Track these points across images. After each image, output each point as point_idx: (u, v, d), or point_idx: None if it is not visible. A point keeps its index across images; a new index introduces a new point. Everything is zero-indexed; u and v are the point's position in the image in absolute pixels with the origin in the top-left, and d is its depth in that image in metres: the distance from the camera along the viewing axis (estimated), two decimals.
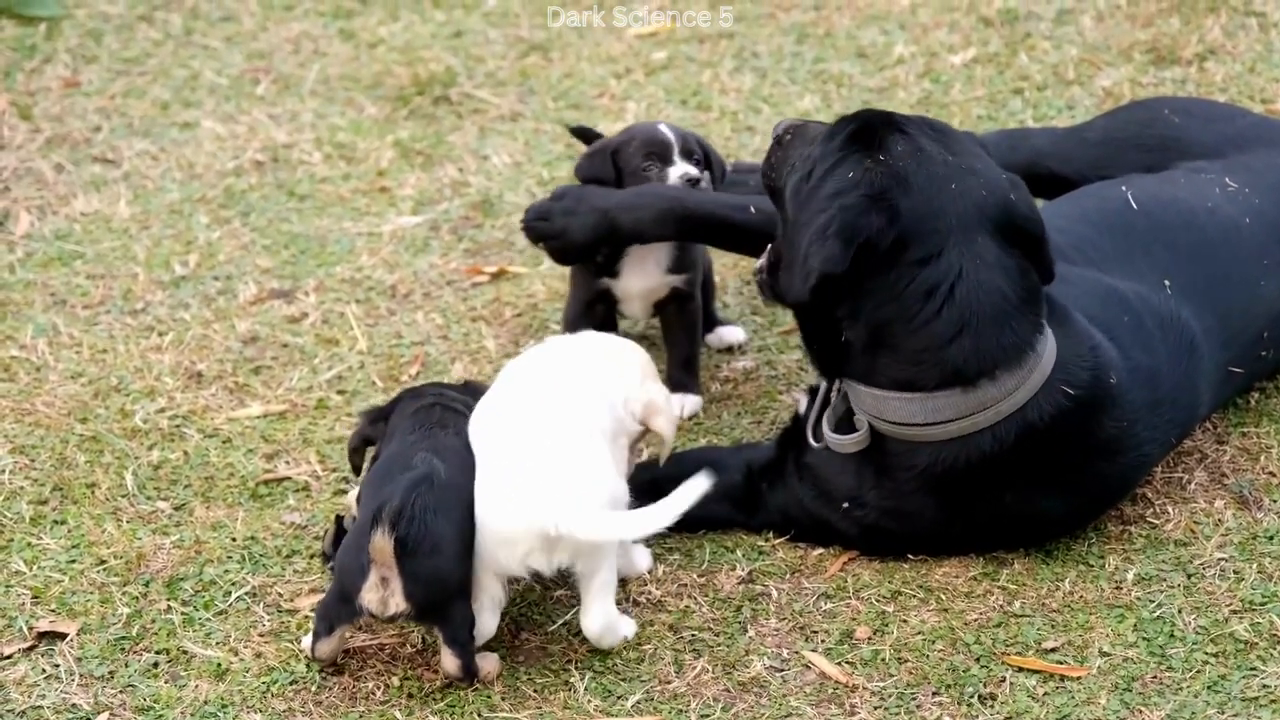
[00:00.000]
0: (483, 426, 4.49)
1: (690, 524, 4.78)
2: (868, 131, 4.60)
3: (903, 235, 4.48)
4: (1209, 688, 4.35)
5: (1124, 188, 5.11)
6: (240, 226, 6.05)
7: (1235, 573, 4.65)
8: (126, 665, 4.47)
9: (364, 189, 6.23)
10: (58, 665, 4.47)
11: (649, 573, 4.69)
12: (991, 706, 4.32)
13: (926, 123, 4.66)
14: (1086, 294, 4.76)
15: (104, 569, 4.73)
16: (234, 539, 4.81)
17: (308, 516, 4.88)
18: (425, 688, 4.38)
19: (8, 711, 4.34)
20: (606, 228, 5.14)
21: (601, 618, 4.40)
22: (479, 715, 4.32)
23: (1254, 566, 4.66)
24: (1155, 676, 4.38)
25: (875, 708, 4.32)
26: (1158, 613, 4.54)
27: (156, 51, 7.02)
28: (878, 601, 4.60)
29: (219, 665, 4.45)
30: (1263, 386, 5.20)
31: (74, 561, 4.76)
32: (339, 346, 5.52)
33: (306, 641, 4.41)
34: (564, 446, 4.38)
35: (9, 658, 4.49)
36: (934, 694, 4.36)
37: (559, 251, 5.23)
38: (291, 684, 4.40)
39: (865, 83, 6.72)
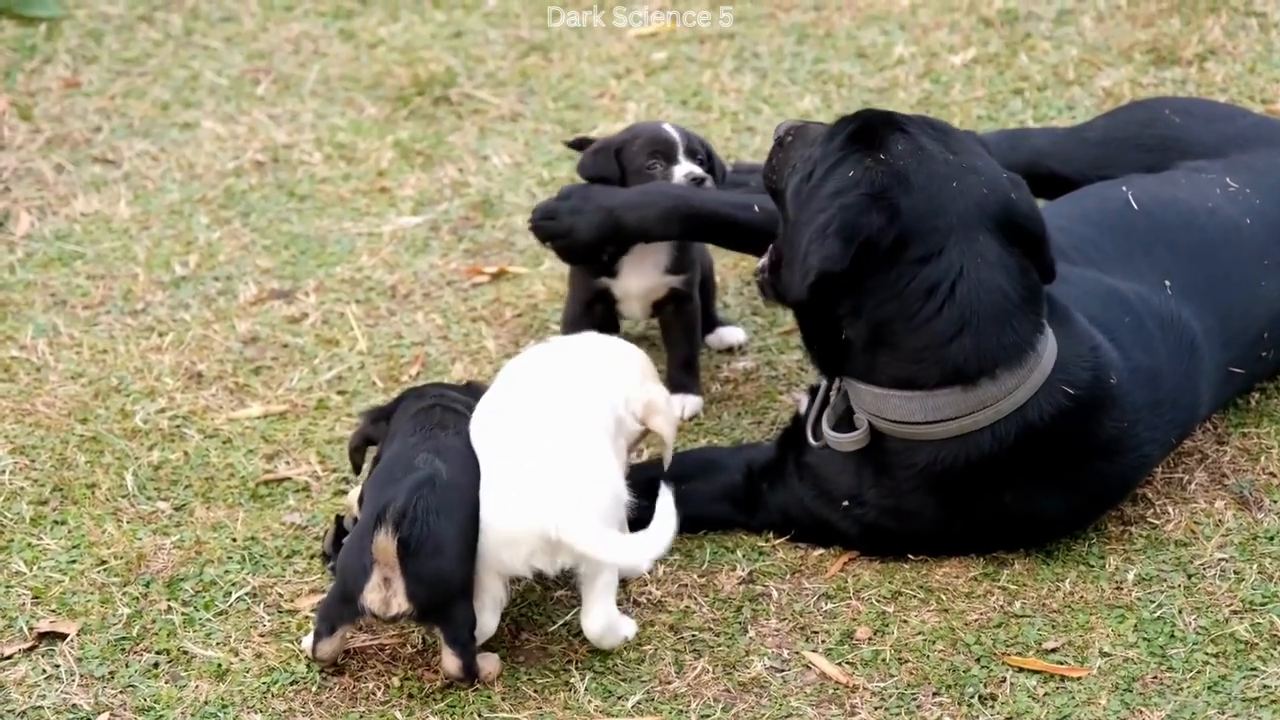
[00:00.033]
0: (485, 427, 4.49)
1: (691, 524, 4.79)
2: (868, 131, 4.60)
3: (903, 234, 4.48)
4: (1209, 688, 4.35)
5: (1125, 188, 5.11)
6: (240, 227, 6.05)
7: (1235, 573, 4.65)
8: (127, 666, 4.47)
9: (364, 189, 6.23)
10: (58, 665, 4.47)
11: (649, 573, 4.69)
12: (992, 707, 4.32)
13: (927, 122, 4.66)
14: (1088, 294, 4.76)
15: (104, 569, 4.73)
16: (234, 539, 4.81)
17: (308, 517, 4.88)
18: (425, 688, 4.38)
19: (8, 712, 4.34)
20: (611, 226, 5.14)
21: (603, 618, 4.40)
22: (479, 715, 4.32)
23: (1254, 567, 4.66)
24: (1156, 677, 4.38)
25: (875, 708, 4.32)
26: (1158, 613, 4.54)
27: (157, 52, 7.02)
28: (878, 602, 4.60)
29: (219, 666, 4.45)
30: (1263, 387, 5.20)
31: (74, 562, 4.76)
32: (339, 347, 5.52)
33: (307, 642, 4.41)
34: (567, 446, 4.38)
35: (9, 658, 4.49)
36: (934, 694, 4.36)
37: (566, 251, 5.23)
38: (292, 684, 4.40)
39: (865, 83, 6.72)
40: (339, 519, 4.70)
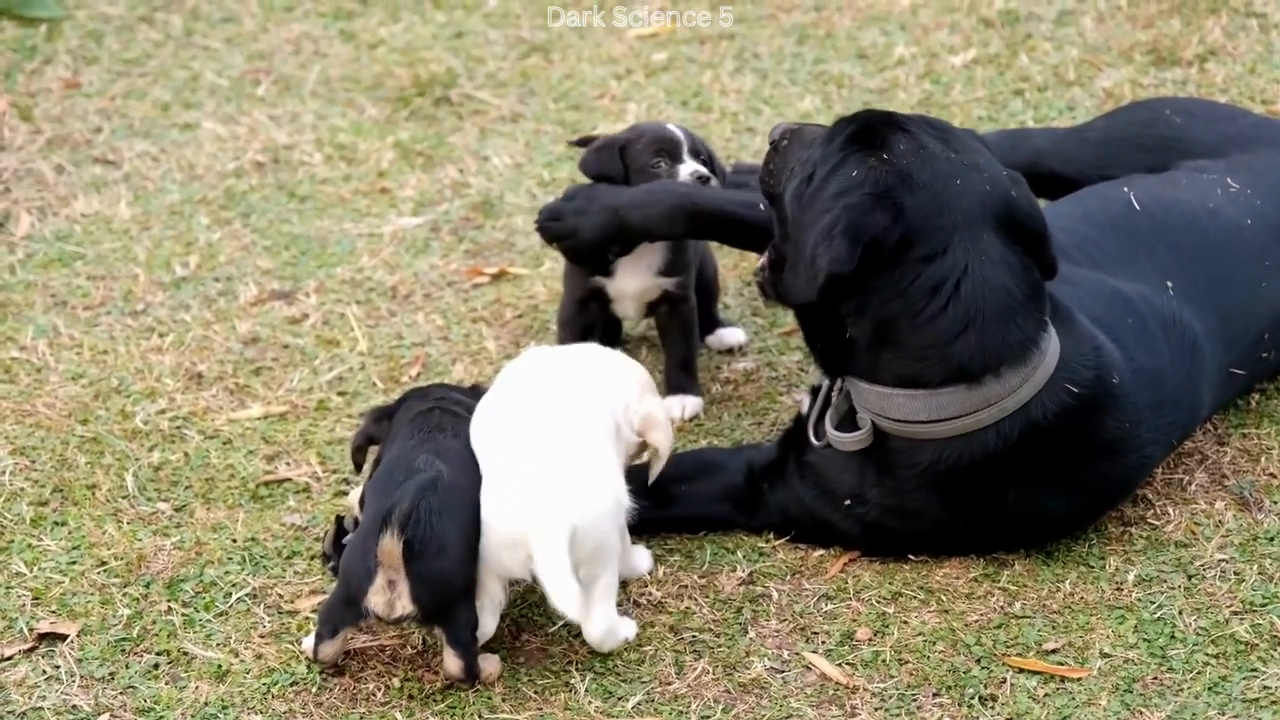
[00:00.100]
0: (485, 429, 4.49)
1: (691, 525, 4.79)
2: (869, 131, 4.59)
3: (908, 232, 4.47)
4: (1210, 689, 4.35)
5: (1127, 189, 5.11)
6: (241, 227, 6.05)
7: (1236, 574, 4.65)
8: (127, 666, 4.47)
9: (364, 190, 6.23)
10: (58, 666, 4.47)
11: (649, 574, 4.69)
12: (992, 708, 4.32)
13: (927, 121, 4.66)
14: (1091, 295, 4.76)
15: (104, 570, 4.72)
16: (234, 540, 4.81)
17: (308, 518, 4.88)
18: (426, 689, 4.38)
19: (8, 713, 4.34)
20: (616, 225, 5.14)
21: (603, 621, 4.39)
22: (479, 716, 4.32)
23: (1254, 568, 4.66)
24: (1156, 678, 4.38)
25: (876, 709, 4.32)
26: (1158, 614, 4.54)
27: (157, 53, 7.02)
28: (878, 603, 4.60)
29: (219, 666, 4.45)
30: (1263, 388, 5.20)
31: (74, 563, 4.76)
32: (339, 348, 5.52)
33: (308, 643, 4.41)
34: (569, 448, 4.38)
35: (9, 659, 4.49)
36: (935, 695, 4.36)
37: (572, 251, 5.23)
38: (292, 685, 4.40)
39: (866, 84, 6.72)
40: (339, 520, 4.70)
